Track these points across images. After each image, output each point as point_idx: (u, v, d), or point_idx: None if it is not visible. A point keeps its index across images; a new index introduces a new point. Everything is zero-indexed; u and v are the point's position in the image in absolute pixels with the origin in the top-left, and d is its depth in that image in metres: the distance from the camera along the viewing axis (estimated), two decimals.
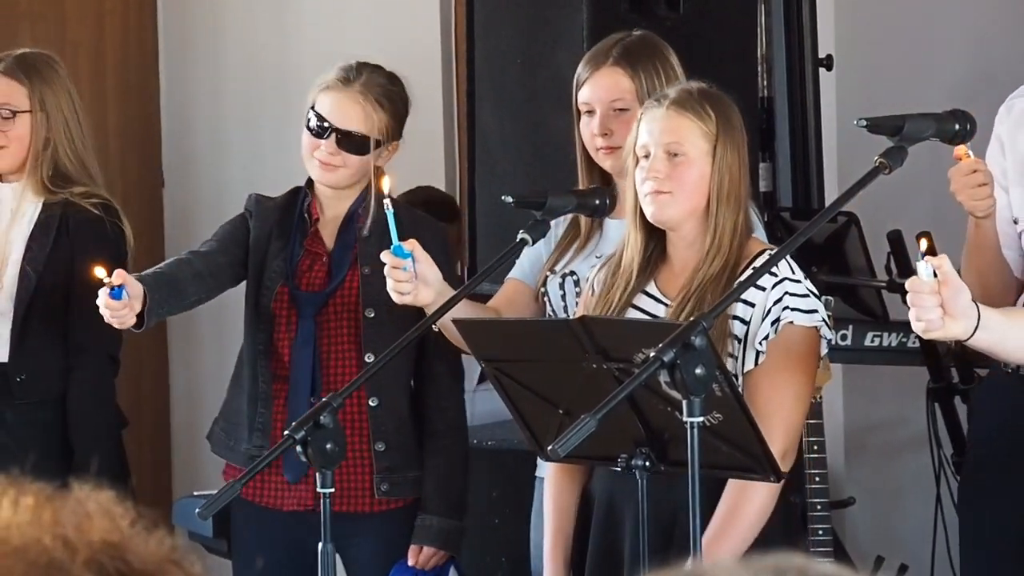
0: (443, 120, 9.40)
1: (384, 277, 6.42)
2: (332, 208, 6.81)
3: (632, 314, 6.08)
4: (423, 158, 8.83)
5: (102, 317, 6.74)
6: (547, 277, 6.54)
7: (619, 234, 6.30)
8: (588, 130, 6.44)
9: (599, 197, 6.24)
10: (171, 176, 9.59)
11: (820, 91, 7.96)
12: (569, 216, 6.45)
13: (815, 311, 6.03)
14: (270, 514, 6.69)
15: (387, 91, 6.74)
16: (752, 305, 5.95)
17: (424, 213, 7.05)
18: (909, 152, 5.63)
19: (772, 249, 6.01)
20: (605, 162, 6.42)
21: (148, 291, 6.42)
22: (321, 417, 5.58)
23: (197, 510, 6.35)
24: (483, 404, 7.29)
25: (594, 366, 5.60)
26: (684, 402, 5.20)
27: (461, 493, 6.76)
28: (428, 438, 6.74)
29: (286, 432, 5.79)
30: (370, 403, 6.37)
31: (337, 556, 6.55)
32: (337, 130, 6.63)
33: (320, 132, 6.62)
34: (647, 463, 5.66)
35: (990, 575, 6.54)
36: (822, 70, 7.87)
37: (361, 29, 9.34)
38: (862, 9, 8.72)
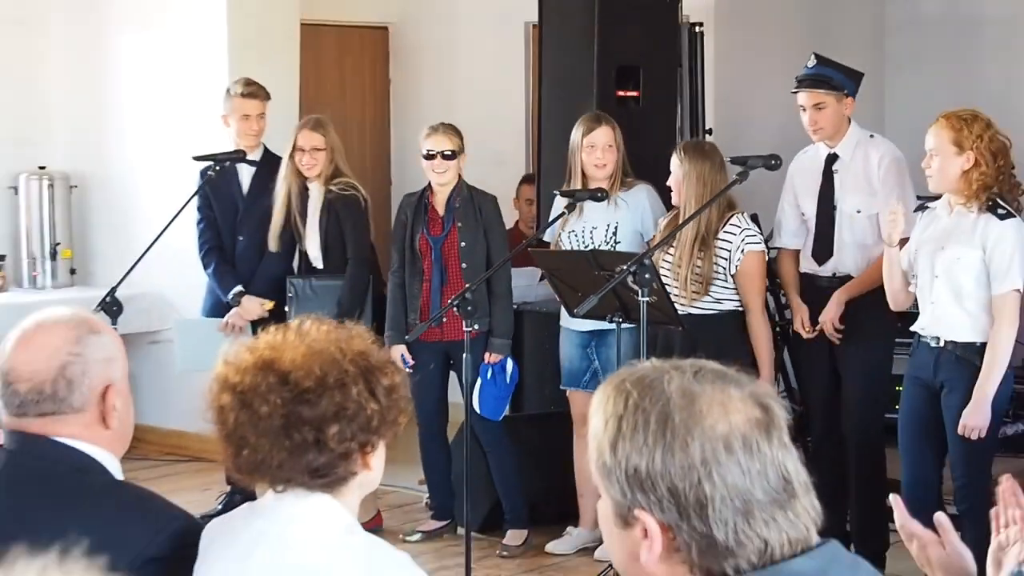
0: (525, 142, 9.17)
1: (472, 227, 6.79)
2: (441, 195, 6.95)
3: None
4: (512, 166, 8.88)
5: (358, 251, 7.12)
6: (560, 234, 6.74)
7: (591, 211, 6.61)
8: (592, 156, 6.61)
9: (600, 192, 6.39)
10: (396, 176, 9.65)
11: None
12: (565, 203, 6.52)
13: (760, 242, 6.40)
14: (420, 341, 6.82)
15: (454, 129, 6.93)
16: (730, 243, 6.30)
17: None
18: (750, 174, 5.95)
19: (738, 214, 6.33)
20: (598, 174, 6.64)
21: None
22: (466, 295, 5.89)
23: (407, 336, 6.70)
24: (541, 289, 7.34)
25: (596, 272, 5.87)
26: (640, 289, 5.55)
27: (509, 328, 6.92)
28: (493, 301, 6.86)
29: (449, 301, 6.11)
30: (467, 285, 6.37)
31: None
32: (441, 152, 6.85)
33: (430, 156, 6.87)
34: (620, 320, 6.02)
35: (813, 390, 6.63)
36: (708, 136, 7.84)
37: (484, 94, 9.18)
38: (728, 101, 8.41)
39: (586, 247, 6.68)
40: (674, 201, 6.42)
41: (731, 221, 6.37)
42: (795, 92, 6.44)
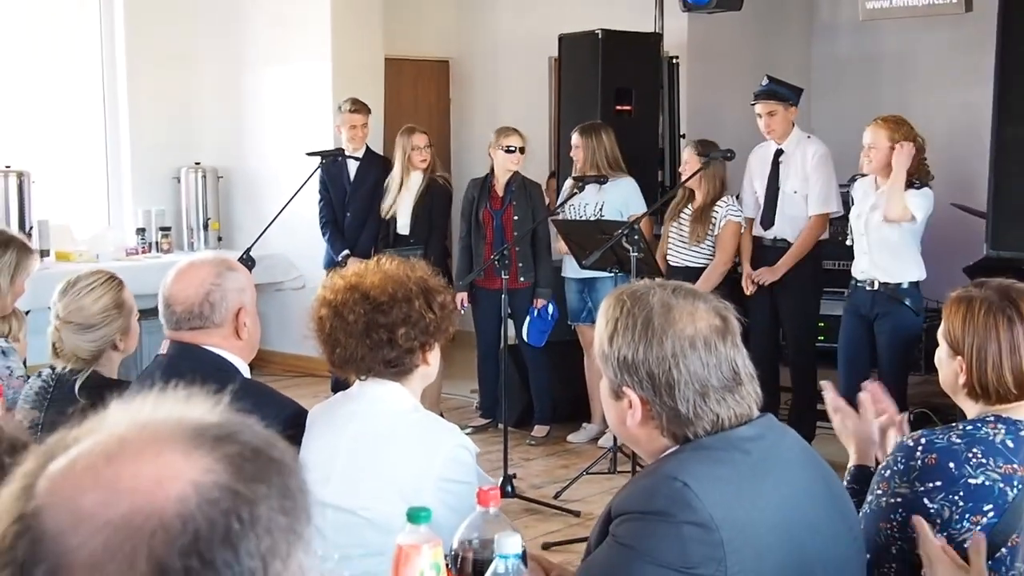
0: (548, 143, 8.66)
1: (524, 206, 6.54)
2: (502, 180, 6.72)
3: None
4: (539, 162, 8.43)
5: (440, 224, 6.91)
6: (563, 209, 6.59)
7: (589, 192, 6.38)
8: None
9: (601, 178, 6.30)
10: (454, 170, 9.15)
11: (681, 146, 7.34)
12: (570, 183, 6.43)
13: (739, 215, 6.29)
14: (479, 287, 6.73)
15: (520, 132, 6.70)
16: (717, 213, 6.26)
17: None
18: (711, 161, 6.01)
19: (727, 194, 6.28)
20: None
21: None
22: (504, 251, 5.81)
23: (459, 282, 6.52)
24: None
25: (599, 235, 5.78)
26: (631, 247, 5.50)
27: (551, 278, 6.74)
28: (538, 260, 6.72)
29: (491, 257, 6.08)
30: (517, 247, 6.47)
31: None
32: (519, 148, 6.65)
33: (511, 151, 6.63)
34: (618, 272, 5.89)
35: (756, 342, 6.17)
36: (683, 139, 7.55)
37: (519, 110, 8.79)
38: (697, 114, 8.09)
39: (580, 217, 6.57)
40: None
41: (721, 199, 6.34)
42: (753, 104, 6.41)
